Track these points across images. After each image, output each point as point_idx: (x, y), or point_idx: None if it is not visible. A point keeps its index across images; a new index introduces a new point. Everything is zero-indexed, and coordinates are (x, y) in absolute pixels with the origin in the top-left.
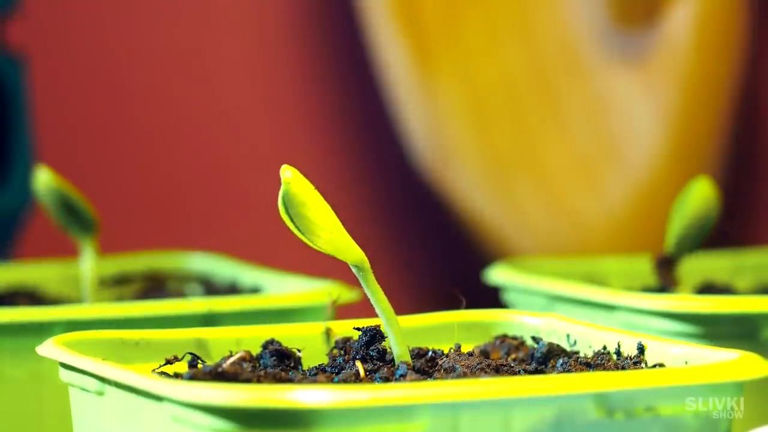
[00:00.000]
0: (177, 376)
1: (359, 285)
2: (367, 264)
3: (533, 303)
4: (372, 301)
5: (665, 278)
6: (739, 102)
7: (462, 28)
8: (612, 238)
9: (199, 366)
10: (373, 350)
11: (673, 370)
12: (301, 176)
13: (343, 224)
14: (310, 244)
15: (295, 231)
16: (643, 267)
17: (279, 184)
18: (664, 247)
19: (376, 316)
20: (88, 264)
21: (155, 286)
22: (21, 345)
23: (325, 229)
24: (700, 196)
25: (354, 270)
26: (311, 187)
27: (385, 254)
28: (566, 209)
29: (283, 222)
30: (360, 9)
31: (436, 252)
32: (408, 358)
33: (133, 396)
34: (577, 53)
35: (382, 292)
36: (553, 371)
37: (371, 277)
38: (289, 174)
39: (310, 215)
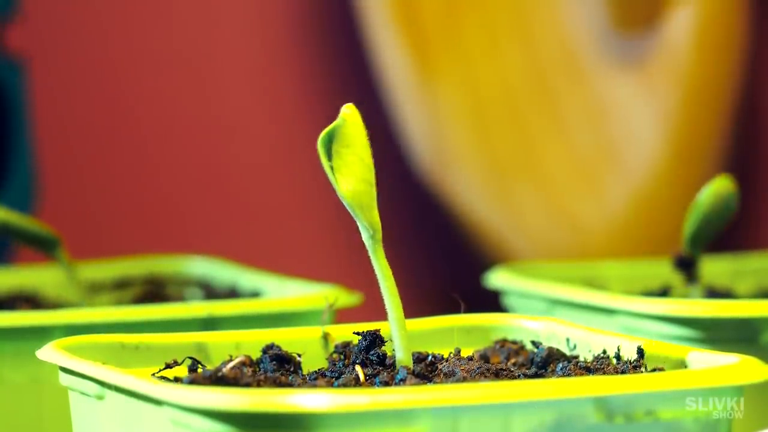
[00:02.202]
0: (177, 380)
1: (358, 289)
2: (380, 234)
3: (533, 307)
4: (378, 275)
5: (688, 276)
6: (740, 105)
7: (462, 32)
8: (612, 242)
9: (199, 370)
10: (372, 354)
11: (672, 374)
12: (360, 121)
13: (342, 226)
14: (336, 187)
15: (327, 168)
16: (643, 271)
17: (280, 186)
18: (681, 247)
19: (375, 320)
20: (69, 272)
21: (155, 290)
22: (21, 349)
23: (359, 180)
24: (718, 193)
25: (365, 236)
26: (365, 135)
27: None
28: (566, 213)
29: (320, 164)
30: (360, 12)
31: (435, 256)
32: (406, 339)
33: (132, 400)
34: (577, 57)
35: (389, 268)
36: (553, 375)
37: (380, 249)
38: (348, 111)
39: (352, 160)
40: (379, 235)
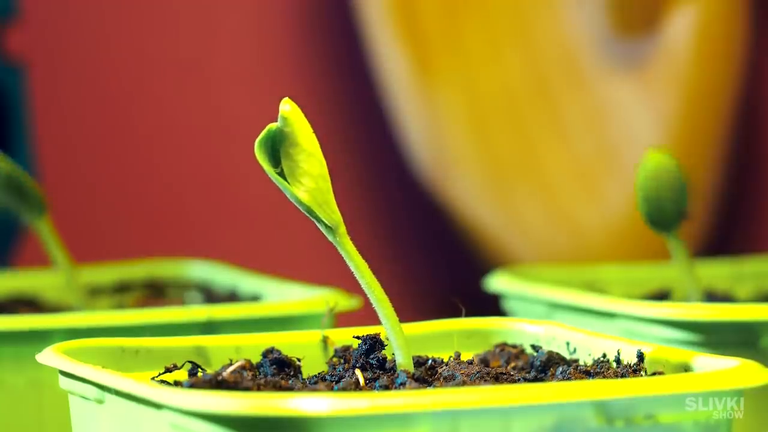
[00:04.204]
0: (177, 384)
1: (358, 292)
2: (342, 228)
3: (533, 311)
4: (350, 266)
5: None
6: (739, 110)
7: (462, 37)
8: (612, 246)
9: (199, 374)
10: (372, 359)
11: (672, 377)
12: (302, 116)
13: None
14: (288, 192)
15: (273, 175)
16: (643, 274)
17: (279, 190)
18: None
19: (375, 324)
20: (69, 275)
21: (155, 293)
22: (21, 353)
23: (315, 177)
24: (656, 168)
25: (327, 233)
26: (309, 128)
27: (385, 262)
28: (566, 217)
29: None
30: (360, 15)
31: (435, 260)
32: (402, 335)
33: (132, 404)
34: (577, 62)
35: (360, 256)
36: (553, 379)
37: (347, 241)
38: (288, 108)
39: (302, 158)
40: (343, 228)
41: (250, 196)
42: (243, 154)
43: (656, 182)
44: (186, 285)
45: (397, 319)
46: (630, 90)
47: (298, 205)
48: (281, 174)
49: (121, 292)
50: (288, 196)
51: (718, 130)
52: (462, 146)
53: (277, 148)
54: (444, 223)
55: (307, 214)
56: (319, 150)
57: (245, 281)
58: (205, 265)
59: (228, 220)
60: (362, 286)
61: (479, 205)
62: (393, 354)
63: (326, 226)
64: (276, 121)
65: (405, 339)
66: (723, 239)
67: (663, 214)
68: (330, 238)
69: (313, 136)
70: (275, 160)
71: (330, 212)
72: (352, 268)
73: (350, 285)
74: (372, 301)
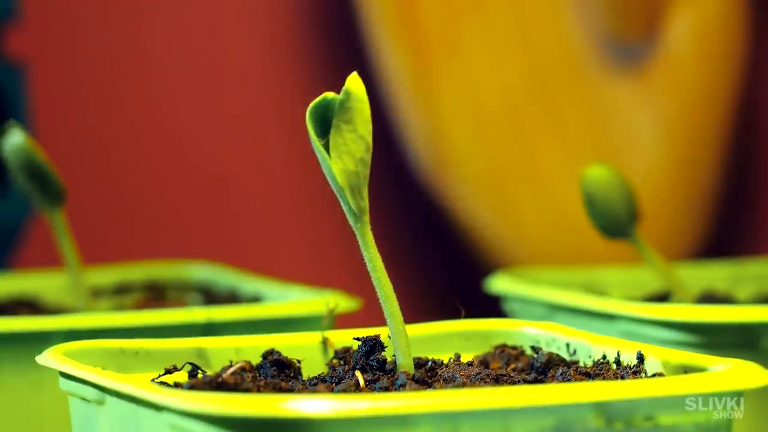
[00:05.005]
0: (177, 385)
1: (358, 294)
2: (367, 216)
3: (533, 312)
4: (365, 256)
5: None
6: (739, 112)
7: (462, 38)
8: (612, 248)
9: (199, 376)
10: (372, 360)
11: (672, 379)
12: (365, 94)
13: (342, 231)
14: (326, 165)
15: (316, 142)
16: (643, 276)
17: (279, 192)
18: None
19: (375, 325)
20: (74, 275)
21: (155, 295)
22: (21, 354)
23: (355, 160)
24: (599, 179)
25: (351, 218)
26: (368, 110)
27: (384, 263)
28: (566, 219)
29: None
30: (360, 16)
31: (435, 261)
32: (404, 332)
33: (132, 406)
34: (577, 63)
35: (376, 249)
36: (553, 381)
37: (368, 231)
38: (353, 83)
39: (351, 137)
40: (367, 216)
41: (251, 198)
42: (243, 155)
43: (603, 193)
44: (186, 286)
45: (402, 318)
46: (630, 90)
47: (331, 182)
48: (326, 146)
49: (121, 294)
50: (324, 170)
51: (718, 131)
52: (462, 148)
53: (329, 119)
54: (443, 223)
55: (337, 194)
56: (370, 134)
57: (245, 283)
58: (206, 266)
59: (228, 222)
60: (372, 280)
61: (479, 206)
62: (393, 355)
63: (352, 211)
64: (277, 125)
65: (407, 339)
66: (723, 241)
67: (617, 221)
68: (352, 223)
69: (369, 119)
70: (323, 131)
71: (360, 199)
72: (366, 260)
73: (350, 286)
74: (379, 296)
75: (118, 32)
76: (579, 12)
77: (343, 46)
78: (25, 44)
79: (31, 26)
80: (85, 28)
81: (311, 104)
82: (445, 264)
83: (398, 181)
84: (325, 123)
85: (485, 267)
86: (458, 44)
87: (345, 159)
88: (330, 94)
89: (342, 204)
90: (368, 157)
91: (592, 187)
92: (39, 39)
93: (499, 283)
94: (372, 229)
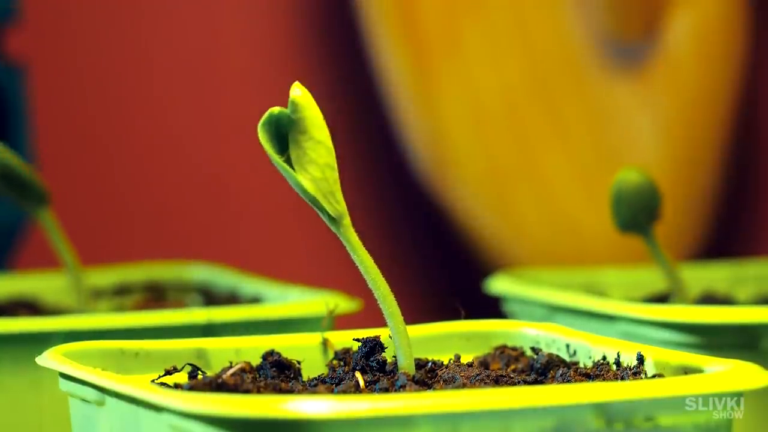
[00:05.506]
0: (177, 386)
1: (358, 295)
2: (347, 219)
3: (533, 313)
4: (354, 259)
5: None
6: (739, 112)
7: (462, 39)
8: (612, 249)
9: (199, 377)
10: (372, 361)
11: (672, 380)
12: (312, 102)
13: None
14: (293, 180)
15: (278, 162)
16: (643, 277)
17: (279, 193)
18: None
19: (375, 326)
20: (74, 276)
21: (155, 296)
22: (20, 355)
23: (322, 167)
24: (633, 183)
25: (330, 224)
26: (321, 115)
27: (384, 264)
28: (566, 219)
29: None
30: (360, 17)
31: (435, 262)
32: (403, 324)
33: (132, 406)
34: (577, 63)
35: (364, 249)
36: (553, 382)
37: (351, 233)
38: (298, 93)
39: (310, 146)
40: (347, 219)
41: (251, 198)
42: (243, 156)
43: (633, 194)
44: (186, 287)
45: (401, 316)
46: (630, 92)
47: (302, 195)
48: (287, 161)
49: (121, 295)
50: (292, 184)
51: (718, 131)
52: (462, 148)
53: (284, 134)
54: (443, 225)
55: (311, 204)
56: (329, 138)
57: (245, 284)
58: (205, 267)
59: (228, 223)
60: (367, 281)
61: (479, 207)
62: (393, 356)
63: (330, 217)
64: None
65: (408, 337)
66: (723, 241)
67: (638, 221)
68: (334, 229)
69: (323, 123)
70: (281, 146)
71: (335, 203)
72: (356, 262)
73: (350, 287)
74: (376, 297)
75: (118, 32)
76: (579, 12)
77: (343, 46)
78: (25, 44)
79: (31, 26)
80: (85, 28)
81: (260, 123)
82: (445, 264)
83: (398, 181)
84: (281, 138)
85: (485, 267)
86: (458, 44)
87: (310, 168)
88: (276, 109)
89: (319, 214)
90: (332, 160)
91: (623, 186)
92: (39, 39)
93: (499, 284)
94: (372, 230)
